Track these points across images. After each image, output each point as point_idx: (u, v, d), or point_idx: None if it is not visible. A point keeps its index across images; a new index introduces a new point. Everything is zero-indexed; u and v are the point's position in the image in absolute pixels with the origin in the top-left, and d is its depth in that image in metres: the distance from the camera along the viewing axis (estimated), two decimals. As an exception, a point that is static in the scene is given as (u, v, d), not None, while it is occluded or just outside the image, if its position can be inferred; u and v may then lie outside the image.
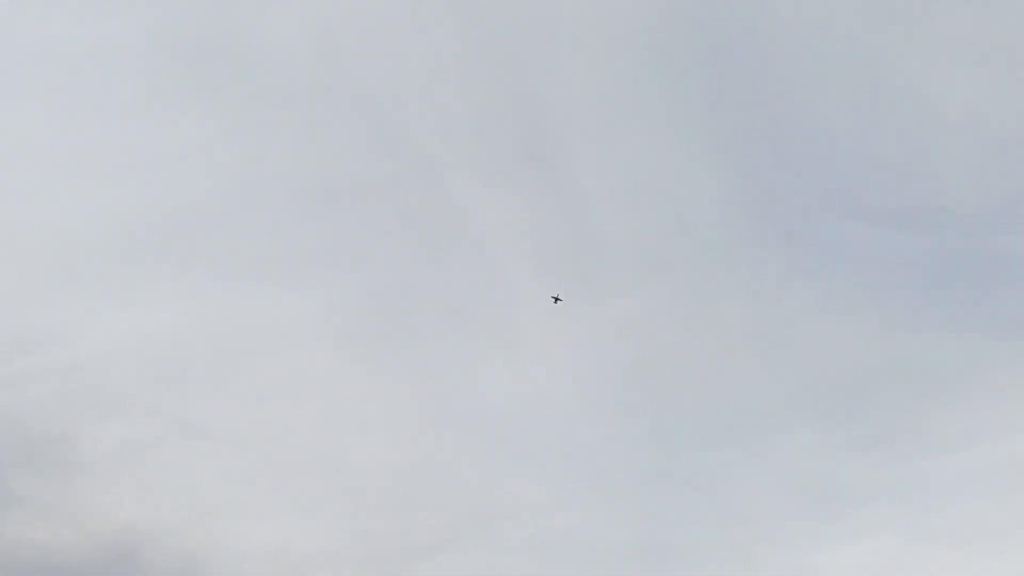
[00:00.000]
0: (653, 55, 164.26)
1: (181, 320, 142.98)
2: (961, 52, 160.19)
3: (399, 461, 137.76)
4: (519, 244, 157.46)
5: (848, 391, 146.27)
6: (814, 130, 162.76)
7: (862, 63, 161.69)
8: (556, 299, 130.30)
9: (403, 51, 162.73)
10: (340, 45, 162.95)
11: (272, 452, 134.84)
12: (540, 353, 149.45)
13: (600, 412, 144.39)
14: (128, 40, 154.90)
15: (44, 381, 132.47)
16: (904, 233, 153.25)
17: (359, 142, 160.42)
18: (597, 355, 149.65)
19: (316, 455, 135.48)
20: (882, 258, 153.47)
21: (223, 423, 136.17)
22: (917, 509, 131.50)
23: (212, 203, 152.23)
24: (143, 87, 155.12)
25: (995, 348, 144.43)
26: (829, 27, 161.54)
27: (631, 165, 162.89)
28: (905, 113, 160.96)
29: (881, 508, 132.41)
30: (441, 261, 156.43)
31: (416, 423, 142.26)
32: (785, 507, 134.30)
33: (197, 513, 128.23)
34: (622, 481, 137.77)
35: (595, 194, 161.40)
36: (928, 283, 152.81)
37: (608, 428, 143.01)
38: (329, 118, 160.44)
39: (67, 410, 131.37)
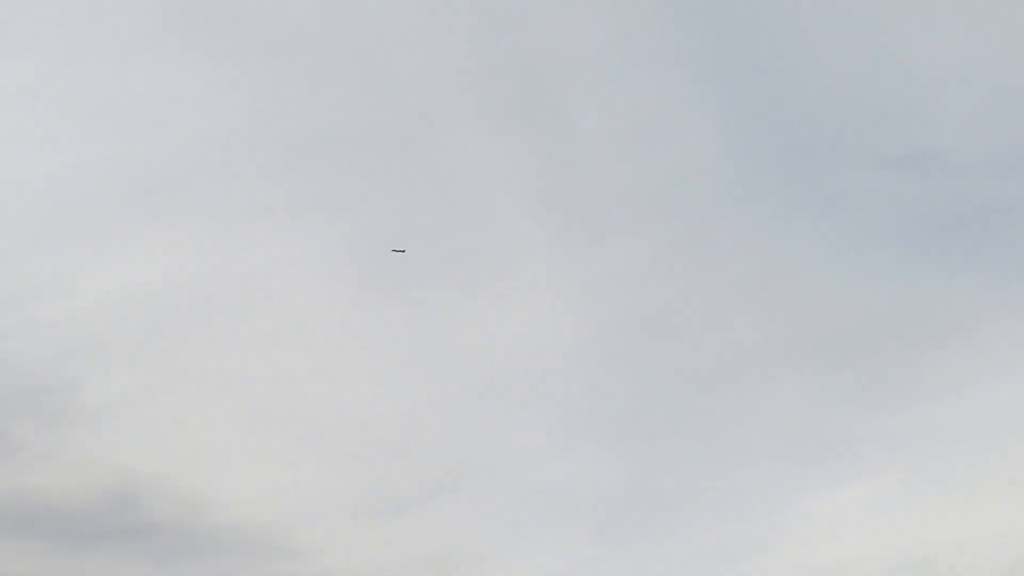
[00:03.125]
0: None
1: (179, 268, 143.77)
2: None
3: (398, 407, 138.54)
4: (520, 190, 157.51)
5: (845, 337, 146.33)
6: (818, 75, 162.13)
7: (868, 5, 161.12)
8: (398, 250, 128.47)
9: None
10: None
11: (271, 399, 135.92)
12: (539, 299, 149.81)
13: (598, 358, 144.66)
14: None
15: (44, 331, 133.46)
16: (905, 178, 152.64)
17: (358, 89, 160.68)
18: (597, 301, 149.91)
19: (315, 402, 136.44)
20: (883, 204, 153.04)
21: (221, 371, 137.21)
22: (912, 455, 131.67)
23: (210, 151, 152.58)
24: (138, 33, 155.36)
25: (994, 294, 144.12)
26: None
27: (633, 109, 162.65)
28: (910, 56, 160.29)
29: (876, 454, 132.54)
30: (441, 208, 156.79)
31: (416, 370, 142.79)
32: (780, 452, 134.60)
33: (196, 460, 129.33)
34: (619, 427, 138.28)
35: (598, 139, 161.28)
36: (928, 229, 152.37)
37: (606, 374, 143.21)
38: (327, 65, 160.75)
39: (66, 359, 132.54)
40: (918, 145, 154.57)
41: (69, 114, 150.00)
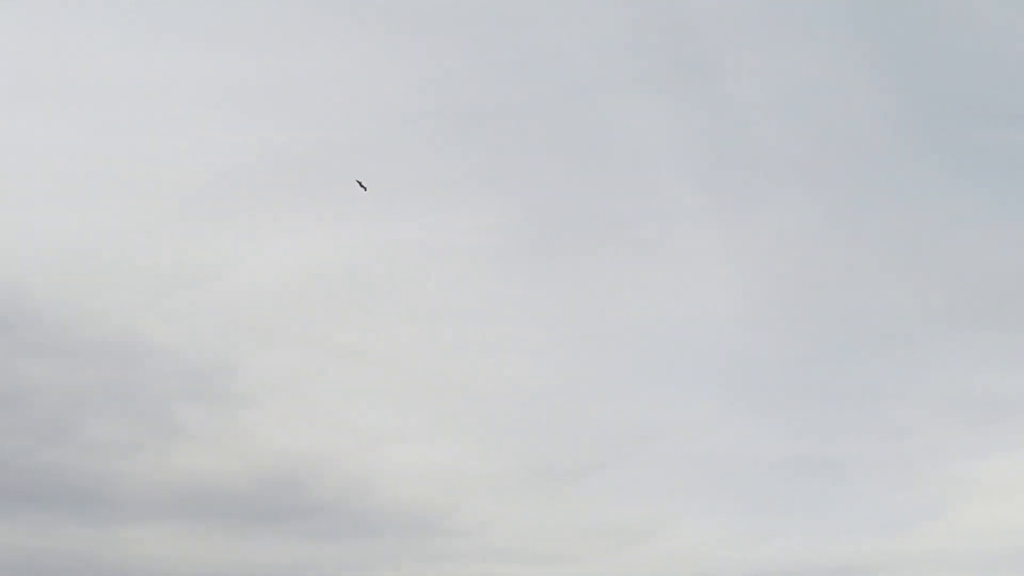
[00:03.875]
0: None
1: (335, 249, 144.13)
2: None
3: (557, 379, 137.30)
4: (678, 158, 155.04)
5: (1006, 300, 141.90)
6: (973, 35, 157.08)
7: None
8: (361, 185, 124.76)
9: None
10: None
11: (430, 376, 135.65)
12: (698, 267, 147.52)
13: (758, 325, 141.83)
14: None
15: (205, 314, 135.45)
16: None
17: (512, 63, 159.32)
18: (755, 268, 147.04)
19: (475, 377, 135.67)
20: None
21: (380, 349, 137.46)
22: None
23: (362, 130, 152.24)
24: (294, 18, 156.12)
25: None
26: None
27: (786, 74, 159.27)
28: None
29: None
30: (599, 178, 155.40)
31: (574, 341, 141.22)
32: (941, 418, 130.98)
33: (358, 438, 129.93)
34: (781, 394, 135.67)
35: (750, 104, 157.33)
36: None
37: (767, 341, 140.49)
38: (482, 39, 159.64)
39: (228, 343, 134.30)
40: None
41: (224, 102, 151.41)
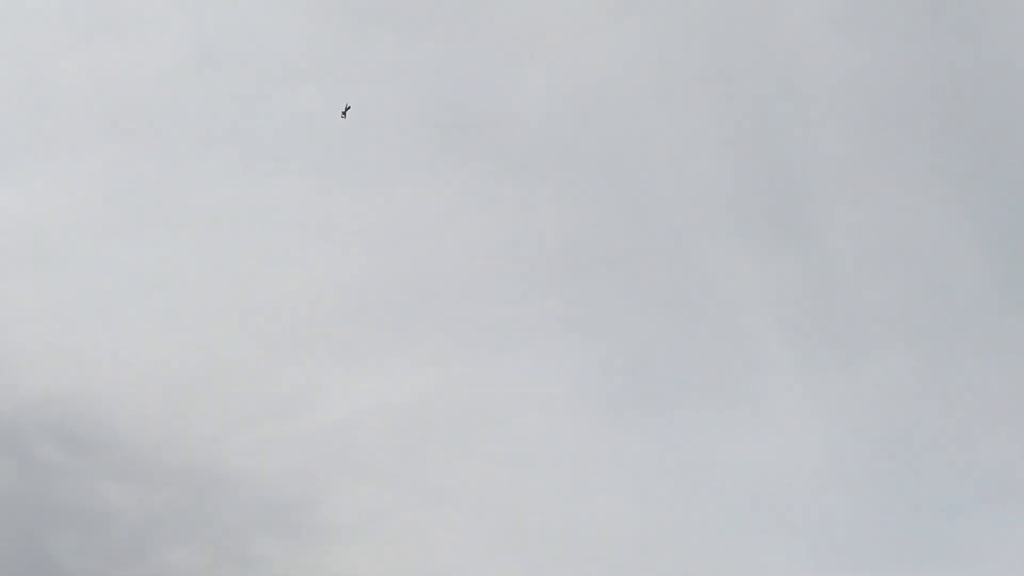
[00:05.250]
0: (908, 115, 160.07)
1: (423, 387, 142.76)
2: None
3: (644, 531, 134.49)
4: (768, 310, 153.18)
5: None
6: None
7: None
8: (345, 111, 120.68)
9: (651, 116, 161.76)
10: (591, 115, 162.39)
11: (515, 521, 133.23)
12: (787, 422, 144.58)
13: (849, 483, 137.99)
14: (380, 107, 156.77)
15: (289, 447, 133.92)
16: None
17: (608, 206, 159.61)
18: (846, 424, 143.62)
19: (559, 524, 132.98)
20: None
21: (465, 491, 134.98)
22: None
23: (456, 270, 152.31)
24: (399, 149, 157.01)
25: None
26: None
27: (886, 228, 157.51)
28: None
29: None
30: (689, 327, 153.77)
31: (660, 493, 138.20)
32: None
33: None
34: (873, 557, 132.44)
35: (847, 258, 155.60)
36: None
37: (857, 500, 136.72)
38: (578, 187, 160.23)
39: (310, 475, 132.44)
40: None
41: (320, 233, 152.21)
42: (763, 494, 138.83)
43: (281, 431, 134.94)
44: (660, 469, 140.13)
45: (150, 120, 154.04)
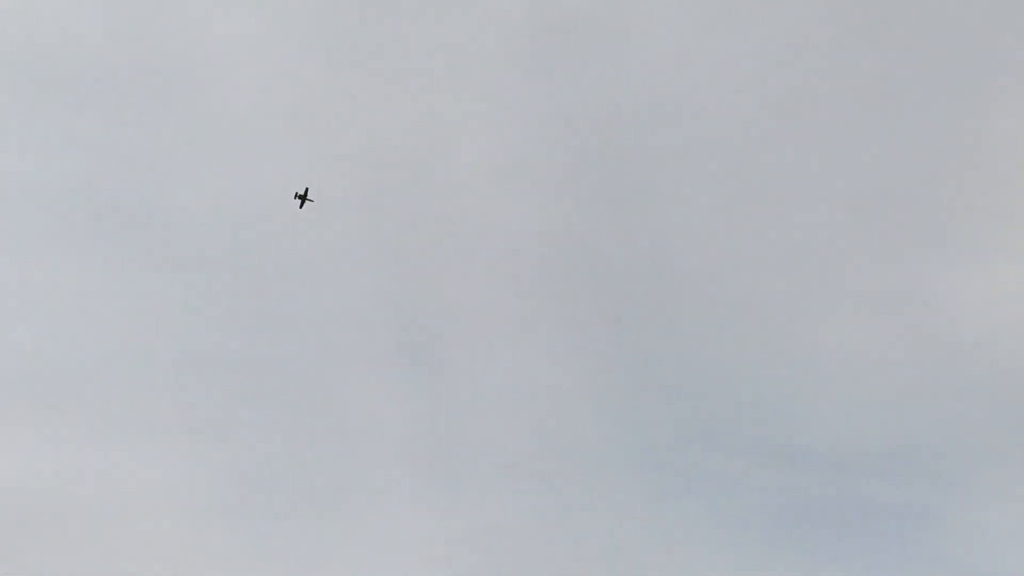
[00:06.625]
0: (541, 273, 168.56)
1: (44, 474, 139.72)
2: (846, 300, 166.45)
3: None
4: (394, 436, 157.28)
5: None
6: (692, 361, 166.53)
7: (742, 302, 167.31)
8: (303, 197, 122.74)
9: (303, 236, 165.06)
10: (241, 219, 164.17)
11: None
12: (396, 548, 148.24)
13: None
14: (29, 178, 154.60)
15: None
16: (767, 471, 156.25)
17: (250, 314, 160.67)
18: (451, 558, 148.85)
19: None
20: (743, 494, 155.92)
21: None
22: None
23: (91, 359, 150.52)
24: (33, 229, 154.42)
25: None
26: (716, 272, 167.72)
27: (509, 371, 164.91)
28: (785, 353, 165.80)
29: None
30: (313, 443, 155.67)
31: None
32: None
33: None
34: None
35: (472, 396, 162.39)
36: (784, 524, 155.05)
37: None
38: (222, 288, 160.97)
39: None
40: (788, 439, 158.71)
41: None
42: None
43: None
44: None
45: None
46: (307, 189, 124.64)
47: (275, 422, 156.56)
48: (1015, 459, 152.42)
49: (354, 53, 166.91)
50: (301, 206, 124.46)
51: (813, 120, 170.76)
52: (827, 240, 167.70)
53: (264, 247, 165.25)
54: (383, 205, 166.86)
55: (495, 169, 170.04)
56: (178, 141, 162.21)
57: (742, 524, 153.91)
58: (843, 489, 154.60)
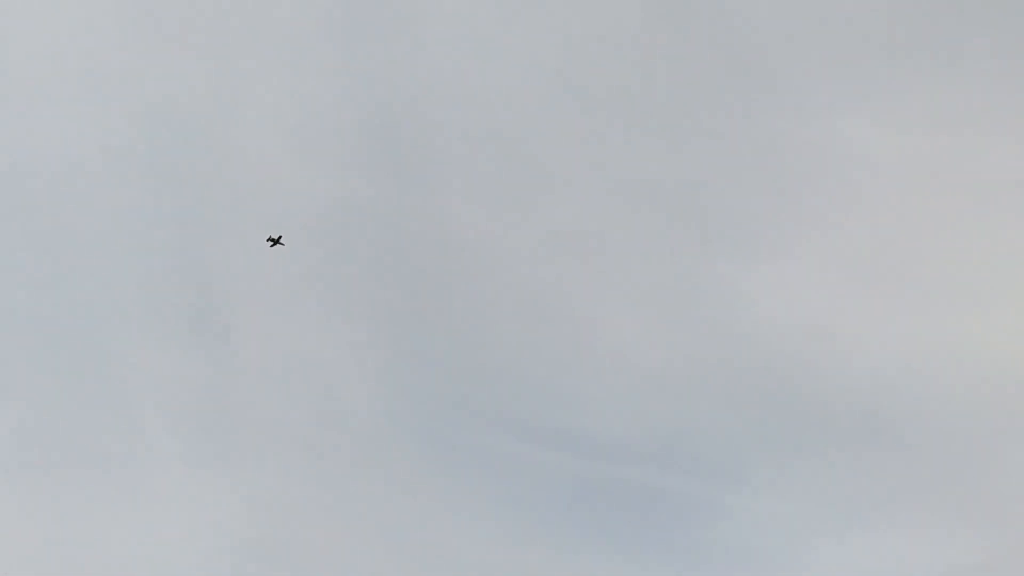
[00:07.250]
0: (329, 243, 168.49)
1: None
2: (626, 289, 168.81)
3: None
4: (163, 401, 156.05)
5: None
6: (474, 337, 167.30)
7: (527, 283, 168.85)
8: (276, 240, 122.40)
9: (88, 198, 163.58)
10: (27, 178, 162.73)
11: None
12: (169, 513, 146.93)
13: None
14: None
15: None
16: (549, 453, 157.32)
17: (27, 273, 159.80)
18: (224, 521, 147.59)
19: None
20: (528, 474, 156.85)
21: None
22: None
23: None
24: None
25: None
26: (504, 254, 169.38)
27: (292, 339, 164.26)
28: (566, 339, 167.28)
29: None
30: (83, 404, 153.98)
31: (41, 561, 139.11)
32: None
33: None
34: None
35: (254, 364, 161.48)
36: (568, 504, 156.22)
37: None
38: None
39: None
40: (569, 424, 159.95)
41: None
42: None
43: None
44: (42, 540, 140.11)
45: None
46: (280, 236, 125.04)
47: (50, 383, 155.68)
48: (785, 450, 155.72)
49: (148, 10, 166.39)
50: (272, 246, 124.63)
51: (605, 111, 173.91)
52: (608, 230, 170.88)
53: (51, 207, 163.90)
54: (169, 167, 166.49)
55: (285, 135, 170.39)
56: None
57: (515, 501, 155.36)
58: (618, 473, 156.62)
